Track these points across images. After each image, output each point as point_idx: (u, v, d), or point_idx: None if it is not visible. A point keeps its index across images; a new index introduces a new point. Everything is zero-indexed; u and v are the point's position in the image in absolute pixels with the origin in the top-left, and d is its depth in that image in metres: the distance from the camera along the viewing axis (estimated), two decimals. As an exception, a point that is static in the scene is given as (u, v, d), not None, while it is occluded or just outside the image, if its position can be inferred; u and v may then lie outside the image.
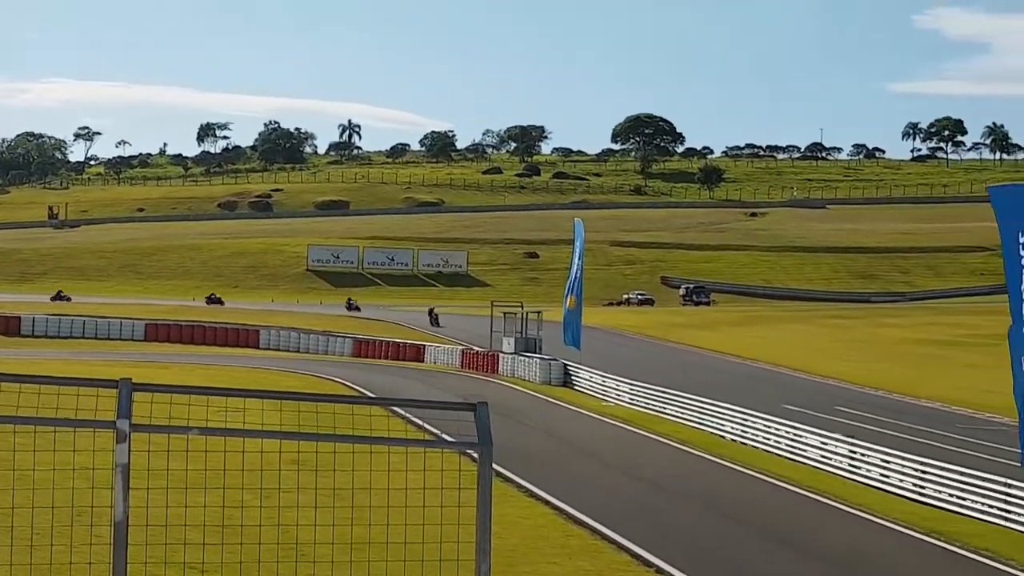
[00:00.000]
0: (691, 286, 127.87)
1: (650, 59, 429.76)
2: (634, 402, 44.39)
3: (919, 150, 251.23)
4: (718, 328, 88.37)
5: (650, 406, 42.93)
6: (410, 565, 10.22)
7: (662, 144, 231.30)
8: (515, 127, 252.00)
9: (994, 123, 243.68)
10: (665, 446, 34.87)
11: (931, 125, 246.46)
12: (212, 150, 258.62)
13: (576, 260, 54.75)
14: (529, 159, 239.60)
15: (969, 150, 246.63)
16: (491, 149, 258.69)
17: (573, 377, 52.15)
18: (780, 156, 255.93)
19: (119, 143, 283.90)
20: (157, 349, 71.03)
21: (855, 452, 29.88)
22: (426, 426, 30.84)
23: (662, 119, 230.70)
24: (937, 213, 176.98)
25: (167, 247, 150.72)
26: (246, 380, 45.78)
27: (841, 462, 30.19)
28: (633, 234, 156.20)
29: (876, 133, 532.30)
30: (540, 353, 56.48)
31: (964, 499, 25.35)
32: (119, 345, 73.78)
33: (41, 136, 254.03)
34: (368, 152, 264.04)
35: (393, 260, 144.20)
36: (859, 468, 29.37)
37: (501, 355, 57.98)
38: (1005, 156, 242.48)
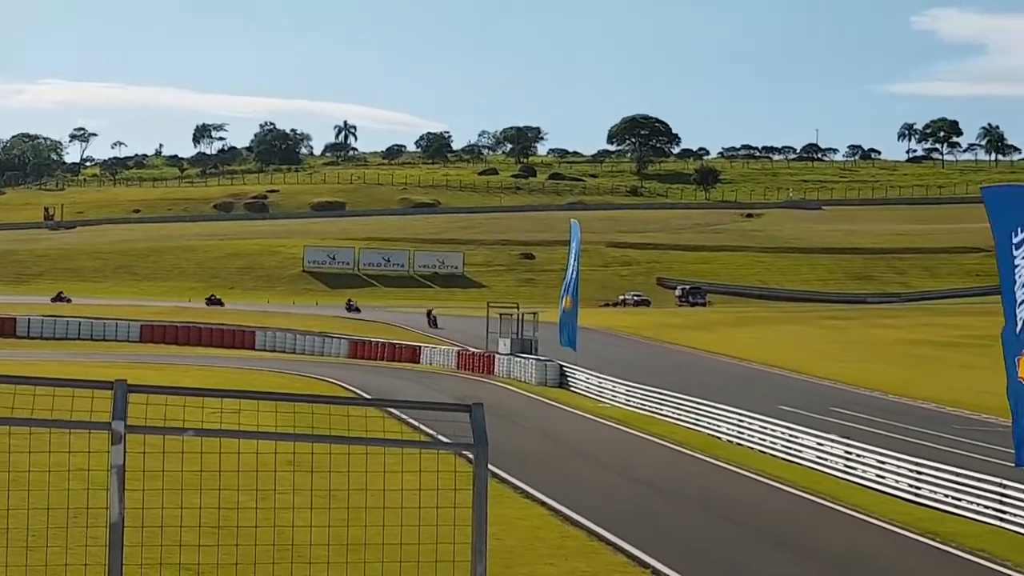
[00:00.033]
0: (687, 287, 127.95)
1: (646, 60, 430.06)
2: (630, 403, 44.39)
3: (915, 151, 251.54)
4: (714, 329, 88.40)
5: (646, 407, 42.94)
6: (406, 566, 10.22)
7: (658, 145, 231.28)
8: (511, 128, 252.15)
9: (990, 124, 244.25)
10: (661, 447, 34.88)
11: (927, 126, 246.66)
12: (208, 151, 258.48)
13: (572, 261, 54.76)
14: (525, 160, 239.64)
15: (965, 151, 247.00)
16: (487, 150, 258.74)
17: (569, 378, 52.14)
18: (776, 157, 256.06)
19: (115, 144, 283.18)
20: (153, 350, 71.03)
21: (851, 453, 29.90)
22: (422, 427, 30.86)
23: (658, 120, 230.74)
24: (933, 214, 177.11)
25: (163, 248, 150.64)
26: (241, 381, 45.74)
27: (837, 463, 30.21)
28: (629, 235, 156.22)
29: (872, 134, 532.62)
30: (536, 354, 56.48)
31: (959, 500, 25.38)
32: (115, 346, 73.78)
33: (37, 137, 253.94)
34: (364, 153, 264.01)
35: (389, 261, 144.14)
36: (855, 469, 29.40)
37: (497, 356, 57.98)
38: (1000, 157, 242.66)
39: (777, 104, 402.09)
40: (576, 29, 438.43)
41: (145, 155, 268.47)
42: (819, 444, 31.47)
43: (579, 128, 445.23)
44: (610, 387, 47.30)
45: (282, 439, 8.69)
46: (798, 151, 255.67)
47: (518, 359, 55.79)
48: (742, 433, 35.69)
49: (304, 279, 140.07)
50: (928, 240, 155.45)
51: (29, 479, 10.89)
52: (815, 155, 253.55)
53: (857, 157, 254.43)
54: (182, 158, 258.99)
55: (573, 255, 54.83)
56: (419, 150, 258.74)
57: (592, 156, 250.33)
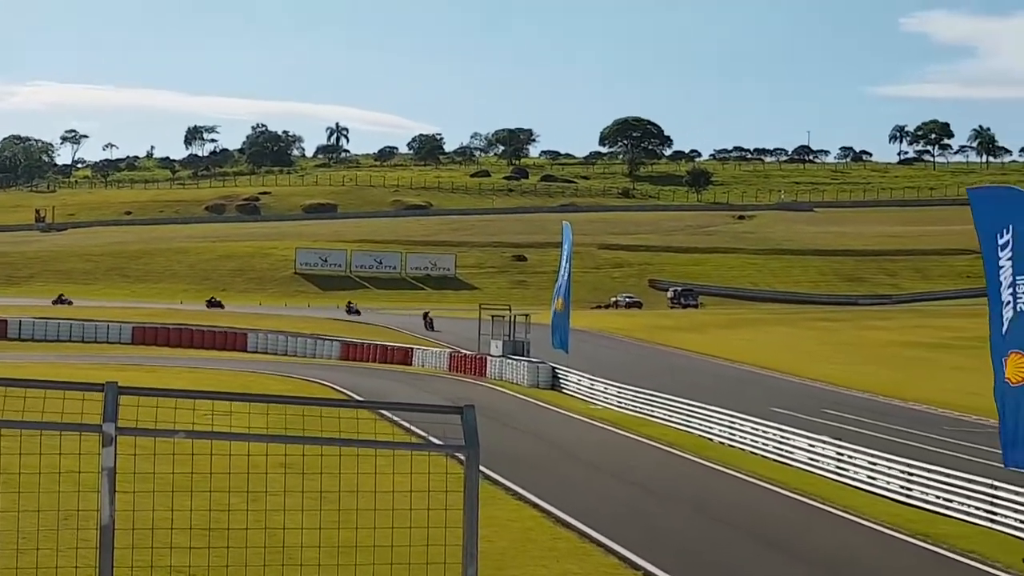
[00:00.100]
0: (679, 289, 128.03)
1: (638, 62, 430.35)
2: (622, 405, 44.39)
3: (906, 153, 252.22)
4: (706, 331, 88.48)
5: (638, 409, 42.95)
6: (397, 568, 10.22)
7: (650, 147, 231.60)
8: (503, 130, 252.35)
9: (980, 126, 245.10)
10: (653, 449, 34.88)
11: (918, 128, 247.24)
12: (200, 153, 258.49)
13: (564, 263, 54.75)
14: (517, 162, 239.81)
15: (956, 153, 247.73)
16: (479, 152, 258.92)
17: (561, 380, 52.14)
18: (768, 159, 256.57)
19: (106, 146, 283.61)
20: (144, 352, 70.92)
21: (842, 454, 29.92)
22: (413, 429, 30.83)
23: (650, 122, 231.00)
24: (924, 216, 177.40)
25: (154, 250, 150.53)
26: (233, 383, 45.70)
27: (828, 464, 30.24)
28: (621, 237, 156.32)
29: (863, 136, 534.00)
30: (528, 356, 56.46)
31: (950, 501, 25.42)
32: (106, 348, 73.64)
33: (28, 139, 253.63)
34: (356, 155, 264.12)
35: (381, 263, 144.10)
36: (846, 470, 29.42)
37: (489, 358, 57.96)
38: (992, 159, 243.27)
39: (769, 106, 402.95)
40: (568, 31, 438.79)
41: (136, 157, 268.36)
42: (811, 446, 31.49)
43: (571, 130, 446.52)
44: (602, 389, 47.30)
45: (273, 441, 8.68)
46: (790, 153, 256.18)
47: (510, 361, 55.77)
48: (734, 435, 35.70)
49: (296, 281, 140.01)
50: (919, 242, 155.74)
51: (20, 481, 10.87)
52: (807, 157, 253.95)
53: (848, 159, 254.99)
54: (174, 160, 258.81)
55: (565, 257, 54.82)
56: (411, 152, 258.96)
57: (584, 158, 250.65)
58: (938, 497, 25.84)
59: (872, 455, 29.01)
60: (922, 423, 43.06)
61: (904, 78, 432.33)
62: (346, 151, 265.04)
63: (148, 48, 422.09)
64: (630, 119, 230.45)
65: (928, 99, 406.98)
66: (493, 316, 60.83)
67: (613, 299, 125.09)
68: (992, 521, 24.04)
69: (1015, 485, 23.60)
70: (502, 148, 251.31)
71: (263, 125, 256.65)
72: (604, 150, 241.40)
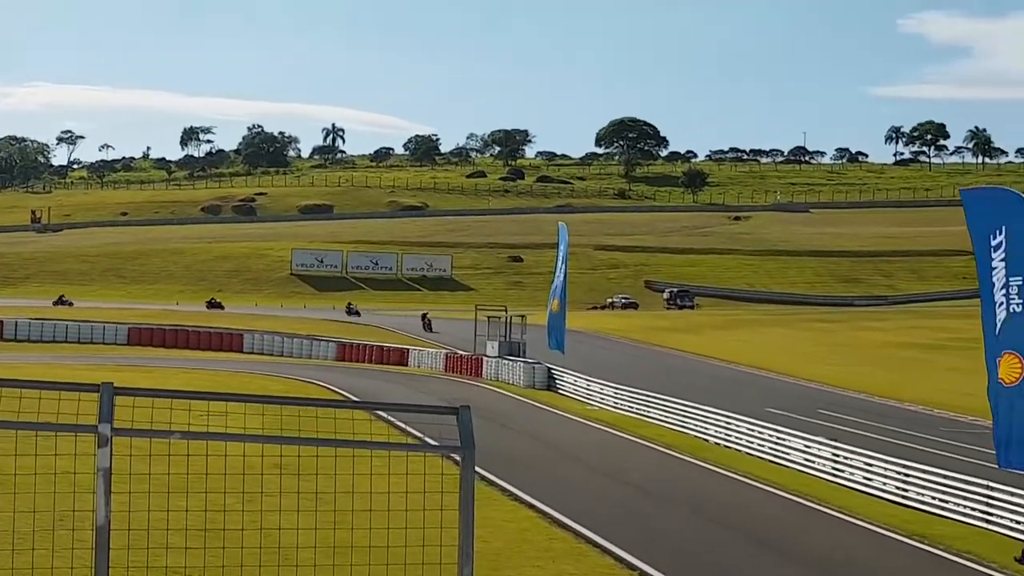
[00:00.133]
0: (675, 290, 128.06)
1: (634, 63, 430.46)
2: (618, 406, 44.40)
3: (902, 154, 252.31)
4: (702, 332, 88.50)
5: (634, 410, 42.95)
6: (393, 569, 10.21)
7: (646, 148, 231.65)
8: (499, 131, 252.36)
9: (976, 127, 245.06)
10: (649, 450, 34.88)
11: (914, 129, 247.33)
12: (195, 154, 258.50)
13: (560, 264, 54.77)
14: (513, 163, 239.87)
15: (952, 154, 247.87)
16: (475, 153, 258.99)
17: (557, 381, 52.14)
18: (764, 160, 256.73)
19: (102, 147, 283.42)
20: (140, 353, 70.86)
21: (838, 455, 29.94)
22: (409, 430, 30.83)
23: (646, 123, 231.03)
24: (920, 217, 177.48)
25: (150, 251, 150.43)
26: (229, 384, 45.71)
27: (824, 465, 30.25)
28: (617, 238, 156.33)
29: (859, 137, 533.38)
30: (524, 357, 56.46)
31: (947, 502, 25.44)
32: (102, 349, 73.58)
33: (24, 140, 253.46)
34: (352, 156, 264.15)
35: (377, 264, 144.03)
36: (842, 471, 29.44)
37: (485, 359, 57.95)
38: (987, 160, 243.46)
39: (765, 107, 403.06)
40: (564, 33, 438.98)
41: (132, 158, 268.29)
42: (806, 446, 31.51)
43: (567, 131, 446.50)
44: (598, 390, 47.31)
45: (269, 442, 8.67)
46: (786, 154, 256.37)
47: (506, 362, 55.77)
48: (730, 435, 35.71)
49: (292, 282, 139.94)
50: (915, 243, 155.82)
51: (15, 482, 10.85)
52: (803, 158, 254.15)
53: (844, 160, 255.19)
54: (170, 161, 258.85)
55: (561, 258, 54.83)
56: (407, 153, 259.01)
57: (580, 159, 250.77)
58: (934, 498, 25.86)
59: (868, 456, 29.03)
60: (918, 424, 43.09)
61: (900, 79, 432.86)
62: (342, 152, 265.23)
63: (144, 49, 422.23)
64: (626, 120, 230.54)
65: (924, 100, 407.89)
66: (489, 317, 60.82)
67: (609, 300, 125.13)
68: (988, 522, 24.06)
69: (1011, 486, 23.62)
70: (498, 149, 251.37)
71: (259, 126, 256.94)
72: (600, 151, 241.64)
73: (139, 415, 8.62)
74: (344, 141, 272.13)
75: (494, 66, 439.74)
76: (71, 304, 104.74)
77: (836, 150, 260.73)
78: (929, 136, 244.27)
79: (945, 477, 25.97)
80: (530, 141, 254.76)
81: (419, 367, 64.24)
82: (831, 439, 31.55)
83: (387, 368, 63.96)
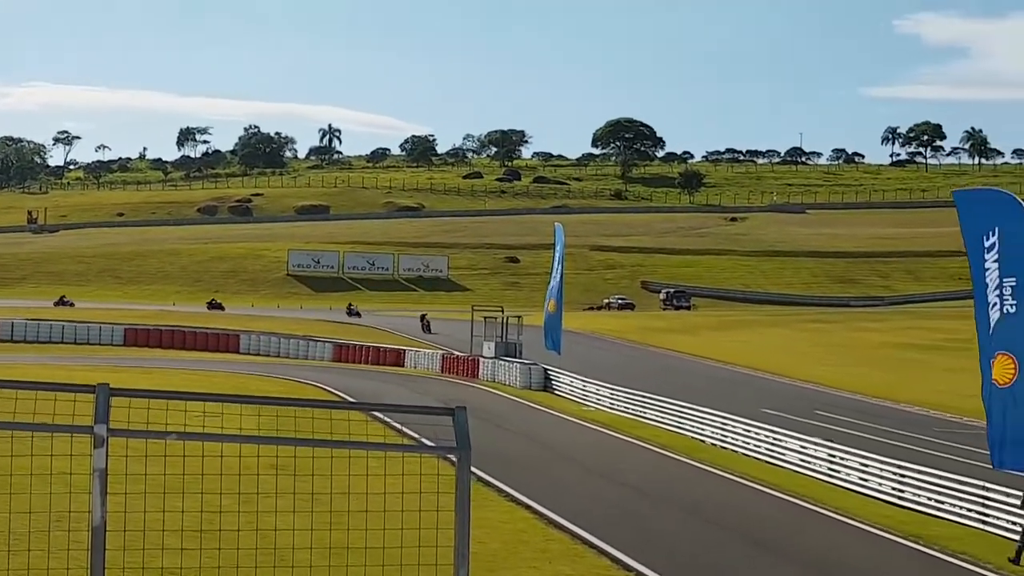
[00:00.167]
0: (671, 290, 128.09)
1: (630, 64, 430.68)
2: (614, 406, 44.40)
3: (898, 155, 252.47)
4: (698, 332, 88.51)
5: (630, 410, 42.95)
6: (389, 570, 10.21)
7: (642, 149, 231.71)
8: (496, 132, 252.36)
9: (973, 128, 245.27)
10: (645, 450, 34.88)
11: (910, 130, 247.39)
12: (192, 154, 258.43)
13: (556, 265, 54.78)
14: (509, 164, 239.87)
15: (948, 155, 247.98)
16: (471, 154, 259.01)
17: (553, 381, 52.14)
18: (760, 161, 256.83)
19: (99, 147, 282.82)
20: (137, 354, 70.79)
21: (834, 456, 29.95)
22: (405, 431, 30.82)
23: (642, 124, 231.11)
24: (916, 218, 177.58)
25: (147, 252, 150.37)
26: (225, 385, 45.69)
27: (820, 466, 30.27)
28: (613, 239, 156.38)
29: (855, 138, 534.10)
30: (520, 358, 56.47)
31: (942, 503, 25.45)
32: (98, 350, 73.50)
33: (20, 140, 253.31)
34: (348, 156, 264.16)
35: (373, 265, 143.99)
36: (838, 472, 29.45)
37: (481, 360, 57.95)
38: (984, 161, 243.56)
39: (761, 108, 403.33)
40: (560, 33, 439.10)
41: (129, 158, 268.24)
42: (803, 447, 31.52)
43: (563, 132, 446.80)
44: (594, 390, 47.31)
45: (265, 442, 8.67)
46: (782, 155, 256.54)
47: (502, 362, 55.78)
48: (726, 436, 35.73)
49: (289, 283, 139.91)
50: (911, 244, 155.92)
51: (11, 483, 10.86)
52: (799, 159, 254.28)
53: (841, 161, 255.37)
54: (166, 161, 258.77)
55: (557, 259, 54.84)
56: (403, 153, 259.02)
57: (576, 160, 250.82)
58: (930, 499, 25.88)
59: (864, 457, 29.04)
60: (914, 425, 43.12)
61: (897, 80, 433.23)
62: (339, 152, 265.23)
63: (141, 49, 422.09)
64: (623, 120, 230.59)
65: (920, 101, 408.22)
66: (486, 318, 60.84)
67: (605, 301, 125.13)
68: (984, 523, 24.08)
69: (1007, 487, 23.64)
70: (495, 150, 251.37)
71: (255, 126, 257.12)
72: (597, 152, 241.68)
73: (135, 416, 8.61)
74: (340, 142, 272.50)
75: (490, 67, 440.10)
76: (72, 305, 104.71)
77: (832, 151, 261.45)
78: (925, 137, 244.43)
79: (941, 478, 25.99)
80: (526, 142, 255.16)
81: (415, 368, 64.24)
82: (827, 440, 31.56)
83: (383, 369, 63.95)
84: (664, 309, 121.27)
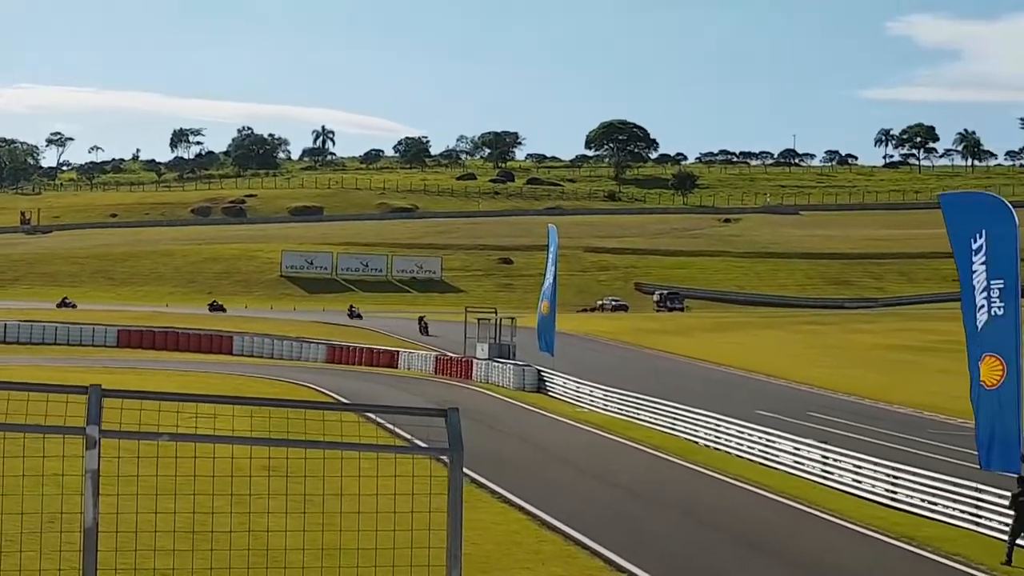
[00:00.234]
0: (665, 292, 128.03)
1: (624, 65, 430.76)
2: (608, 408, 44.41)
3: (891, 156, 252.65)
4: (692, 334, 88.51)
5: (624, 412, 42.96)
6: (382, 570, 10.21)
7: (636, 150, 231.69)
8: (489, 133, 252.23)
9: (966, 130, 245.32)
10: (639, 452, 34.90)
11: (903, 132, 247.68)
12: (185, 156, 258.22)
13: (550, 266, 54.77)
14: (503, 165, 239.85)
15: (941, 156, 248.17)
16: (465, 155, 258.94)
17: (547, 383, 52.15)
18: (753, 162, 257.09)
19: (92, 149, 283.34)
20: (130, 355, 70.71)
21: (828, 457, 29.97)
22: (398, 432, 30.81)
23: (636, 125, 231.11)
24: (910, 219, 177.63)
25: (140, 253, 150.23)
26: (218, 386, 45.66)
27: (814, 467, 30.29)
28: (607, 240, 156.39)
29: (849, 140, 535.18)
30: (514, 359, 56.48)
31: (935, 504, 25.48)
32: (91, 351, 73.43)
33: (13, 141, 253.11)
34: (342, 158, 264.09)
35: (367, 266, 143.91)
36: (832, 473, 29.47)
37: (475, 361, 57.95)
38: (977, 162, 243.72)
39: (755, 109, 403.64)
40: (555, 35, 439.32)
41: (122, 159, 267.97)
42: (796, 449, 31.54)
43: (557, 133, 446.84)
44: (588, 392, 47.31)
45: (257, 444, 8.66)
46: (775, 156, 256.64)
47: (496, 364, 55.78)
48: (719, 438, 35.74)
49: (282, 284, 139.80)
50: (905, 245, 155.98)
51: (3, 484, 10.84)
52: (792, 160, 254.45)
53: (834, 163, 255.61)
54: (159, 163, 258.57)
55: (551, 260, 54.83)
56: (397, 155, 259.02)
57: (570, 161, 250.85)
58: (923, 500, 25.91)
59: (857, 458, 29.07)
60: (908, 426, 43.15)
61: (890, 82, 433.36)
62: (332, 154, 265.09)
63: (134, 50, 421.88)
64: (616, 122, 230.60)
65: (914, 102, 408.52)
66: (479, 319, 60.85)
67: (599, 302, 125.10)
68: (977, 524, 24.11)
69: (999, 488, 23.66)
70: (488, 151, 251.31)
71: (249, 128, 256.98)
72: (590, 153, 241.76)
73: (127, 417, 8.60)
74: (334, 143, 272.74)
75: (484, 69, 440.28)
76: (74, 306, 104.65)
77: (826, 152, 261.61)
78: (919, 138, 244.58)
79: (934, 479, 26.02)
80: (520, 143, 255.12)
81: (409, 369, 64.21)
82: (821, 441, 31.59)
83: (377, 370, 63.92)
84: (657, 310, 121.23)
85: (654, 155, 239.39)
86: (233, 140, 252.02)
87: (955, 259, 22.71)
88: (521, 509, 23.98)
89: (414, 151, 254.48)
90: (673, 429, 38.62)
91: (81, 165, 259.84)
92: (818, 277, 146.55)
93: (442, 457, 8.19)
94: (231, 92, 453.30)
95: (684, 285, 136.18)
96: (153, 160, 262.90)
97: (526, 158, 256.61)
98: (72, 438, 8.06)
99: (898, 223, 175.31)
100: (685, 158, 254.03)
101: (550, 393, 50.98)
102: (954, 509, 24.90)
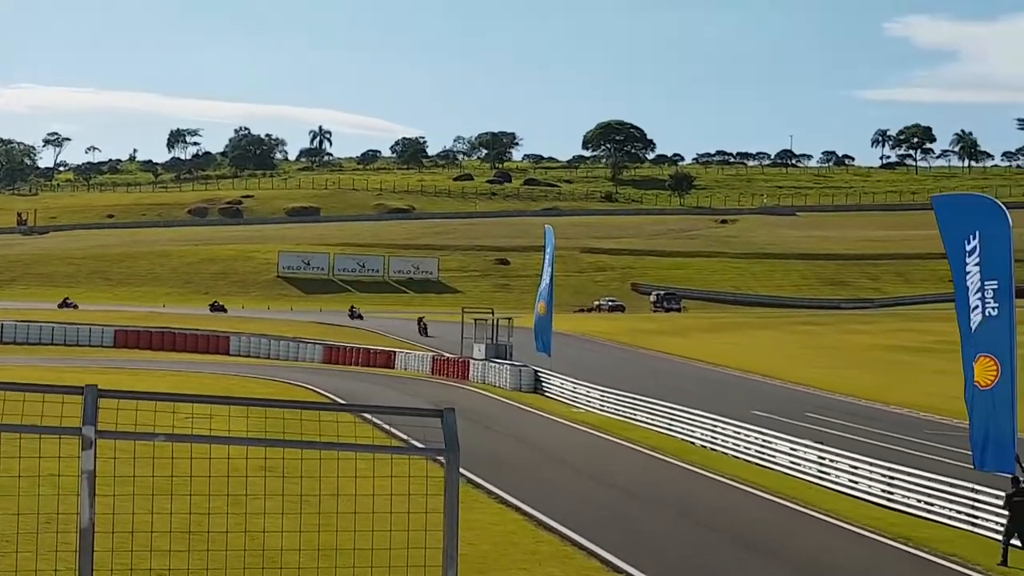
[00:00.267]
0: (662, 292, 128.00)
1: (621, 66, 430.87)
2: (605, 408, 44.41)
3: (888, 157, 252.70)
4: (688, 334, 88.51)
5: (620, 412, 42.98)
6: (378, 571, 10.21)
7: (633, 151, 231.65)
8: (486, 134, 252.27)
9: (963, 130, 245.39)
10: (635, 452, 34.90)
11: (900, 132, 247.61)
12: (182, 156, 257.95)
13: (547, 267, 54.78)
14: (500, 166, 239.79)
15: (938, 157, 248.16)
16: (462, 156, 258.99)
17: (544, 383, 52.15)
18: (750, 163, 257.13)
19: (89, 149, 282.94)
20: (126, 355, 70.67)
21: (824, 458, 29.99)
22: (394, 432, 30.80)
23: (633, 126, 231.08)
24: (906, 220, 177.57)
25: (137, 253, 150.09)
26: (214, 386, 45.65)
27: (810, 468, 30.30)
28: (604, 241, 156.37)
29: (846, 140, 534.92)
30: (511, 359, 56.49)
31: (932, 505, 25.50)
32: (87, 351, 73.36)
33: (10, 142, 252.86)
34: (339, 158, 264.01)
35: (364, 267, 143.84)
36: (828, 474, 29.49)
37: (472, 361, 57.95)
38: (974, 163, 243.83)
39: (752, 110, 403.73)
40: (551, 36, 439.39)
41: (119, 160, 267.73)
42: (793, 449, 31.56)
43: (554, 134, 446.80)
44: (585, 392, 47.33)
45: (254, 444, 8.66)
46: (772, 157, 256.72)
47: (493, 364, 55.79)
48: (716, 438, 35.76)
49: (279, 284, 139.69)
50: (902, 246, 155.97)
51: (-1, 485, 10.84)
52: (789, 161, 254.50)
53: (831, 163, 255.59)
54: (156, 163, 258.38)
55: (548, 261, 54.85)
56: (394, 155, 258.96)
57: (567, 162, 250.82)
58: (920, 501, 25.92)
59: (854, 459, 29.09)
60: (904, 427, 43.17)
61: (887, 82, 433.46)
62: (329, 154, 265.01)
63: (131, 51, 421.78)
64: (613, 123, 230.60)
65: (911, 103, 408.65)
66: (476, 319, 60.85)
67: (596, 303, 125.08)
68: (973, 524, 24.13)
69: (996, 489, 23.68)
70: (485, 152, 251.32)
71: (246, 128, 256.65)
72: (587, 154, 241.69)
73: (123, 417, 8.60)
74: (331, 143, 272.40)
75: (481, 69, 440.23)
76: (75, 306, 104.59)
77: (823, 153, 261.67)
78: (915, 139, 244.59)
79: (930, 480, 26.03)
80: (517, 144, 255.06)
81: (405, 369, 64.19)
82: (817, 442, 31.60)
83: (373, 371, 63.91)
84: (654, 311, 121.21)
85: (651, 156, 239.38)
86: (230, 141, 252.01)
87: (949, 260, 22.76)
88: (517, 509, 23.98)
89: (411, 152, 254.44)
90: (670, 429, 38.64)
91: (78, 166, 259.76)
92: (814, 278, 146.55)
93: (438, 457, 8.20)
94: (228, 93, 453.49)
95: (681, 286, 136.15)
96: (150, 161, 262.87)
97: (523, 159, 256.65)
98: (68, 438, 8.06)
99: (895, 224, 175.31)
100: (682, 159, 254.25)
101: (547, 393, 50.99)
102: (950, 510, 24.92)
